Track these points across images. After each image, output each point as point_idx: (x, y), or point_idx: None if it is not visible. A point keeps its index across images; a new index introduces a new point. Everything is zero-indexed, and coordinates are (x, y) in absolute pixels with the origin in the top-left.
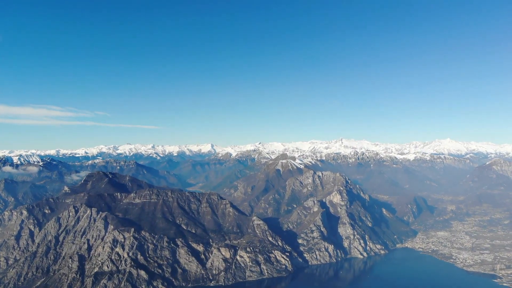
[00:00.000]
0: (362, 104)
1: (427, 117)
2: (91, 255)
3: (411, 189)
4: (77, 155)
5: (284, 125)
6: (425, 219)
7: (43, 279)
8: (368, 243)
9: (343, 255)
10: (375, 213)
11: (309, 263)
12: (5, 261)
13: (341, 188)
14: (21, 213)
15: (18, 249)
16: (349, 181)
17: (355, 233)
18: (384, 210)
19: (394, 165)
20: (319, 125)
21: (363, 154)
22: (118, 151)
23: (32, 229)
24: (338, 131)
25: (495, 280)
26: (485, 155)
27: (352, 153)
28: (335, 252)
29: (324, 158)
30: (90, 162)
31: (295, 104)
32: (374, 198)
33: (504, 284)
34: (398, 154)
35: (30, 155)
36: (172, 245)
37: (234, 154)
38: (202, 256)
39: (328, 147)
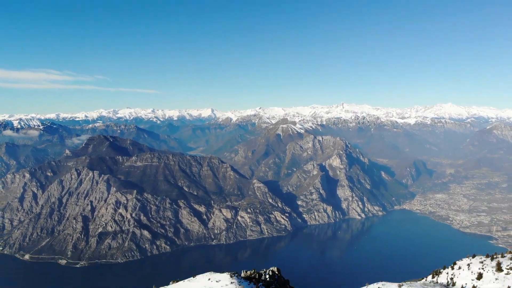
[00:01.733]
0: (364, 68)
1: (429, 81)
2: (94, 216)
3: (411, 153)
4: (77, 119)
5: (284, 89)
6: (423, 182)
7: (48, 239)
8: (366, 204)
9: (341, 216)
10: (374, 176)
11: (308, 223)
12: (9, 222)
13: (341, 152)
14: (24, 176)
15: (22, 211)
16: (349, 145)
17: (354, 195)
18: (383, 173)
19: (395, 129)
20: (320, 89)
21: (363, 119)
22: (118, 115)
23: (35, 192)
24: (340, 96)
25: (491, 241)
26: (486, 119)
27: (352, 118)
28: (333, 213)
29: (324, 123)
30: (90, 126)
31: (296, 68)
32: (374, 162)
33: (500, 245)
34: (399, 118)
35: (30, 119)
36: (175, 206)
37: (234, 119)
38: (204, 217)
39: (329, 112)
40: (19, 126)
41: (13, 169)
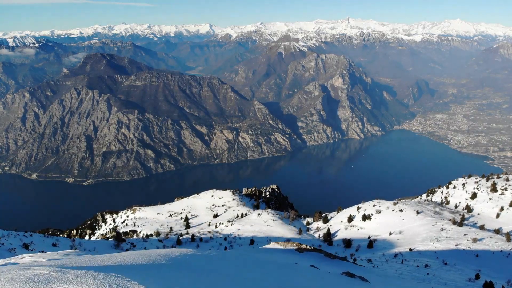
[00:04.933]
0: None
1: None
2: (97, 136)
3: (414, 71)
4: (72, 36)
5: (287, 2)
6: (424, 102)
7: (53, 159)
8: (366, 125)
9: (340, 136)
10: (375, 96)
11: (307, 144)
12: (14, 142)
13: (344, 72)
14: (24, 96)
15: (25, 131)
16: (352, 64)
17: (354, 115)
18: (385, 93)
19: (400, 47)
20: (325, 2)
21: (369, 35)
22: (114, 31)
23: (37, 111)
24: (345, 10)
25: (487, 161)
26: (494, 37)
27: (358, 34)
28: (333, 133)
29: (328, 40)
30: (86, 43)
31: None
32: (376, 81)
33: (495, 166)
34: (405, 35)
35: (25, 37)
36: (177, 126)
37: (234, 36)
38: (206, 138)
39: (334, 28)
40: (14, 44)
41: (12, 89)
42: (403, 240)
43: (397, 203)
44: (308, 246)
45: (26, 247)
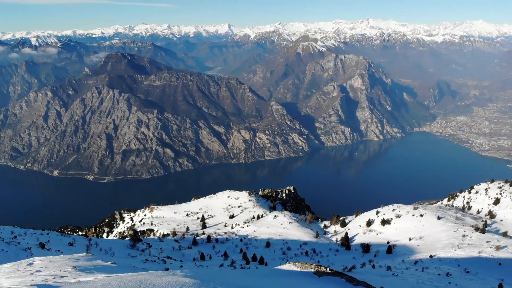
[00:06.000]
0: None
1: None
2: (117, 134)
3: (435, 73)
4: (93, 36)
5: (306, 3)
6: (446, 103)
7: (74, 156)
8: (385, 126)
9: (359, 138)
10: (395, 97)
11: (325, 145)
12: (36, 140)
13: (363, 72)
14: (46, 94)
15: (47, 128)
16: (372, 65)
17: (373, 116)
18: (405, 94)
19: (421, 48)
20: (344, 2)
21: (389, 36)
22: (134, 31)
23: (59, 110)
24: (365, 10)
25: (509, 165)
26: None
27: (378, 35)
28: (351, 135)
29: (348, 40)
30: (107, 43)
31: None
32: (396, 82)
33: None
34: (426, 35)
35: (47, 36)
36: (195, 126)
37: (252, 36)
38: (224, 137)
39: (353, 28)
40: (37, 44)
41: (35, 88)
42: (423, 246)
43: (418, 207)
44: (327, 269)
45: (42, 247)
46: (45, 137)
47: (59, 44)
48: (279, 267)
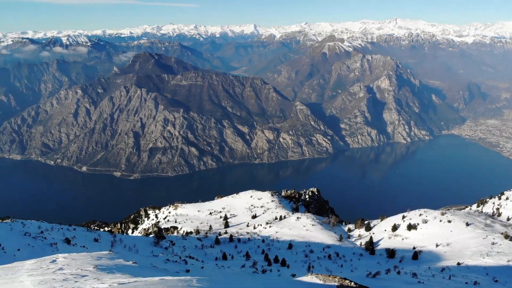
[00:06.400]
0: None
1: None
2: (144, 133)
3: (465, 74)
4: (122, 35)
5: (333, 3)
6: (476, 106)
7: (102, 153)
8: (413, 128)
9: (385, 140)
10: (423, 99)
11: (350, 146)
12: (66, 136)
13: (391, 73)
14: (76, 92)
15: (77, 125)
16: (399, 66)
17: (401, 118)
18: (433, 96)
19: (450, 49)
20: (372, 2)
21: (417, 36)
22: (162, 31)
23: (88, 107)
24: (393, 10)
25: None
26: None
27: (406, 35)
28: (377, 136)
29: (375, 40)
30: (135, 42)
31: None
32: (425, 84)
33: None
34: (455, 36)
35: (78, 35)
36: (219, 126)
37: (278, 36)
38: (247, 137)
39: (381, 28)
40: (67, 43)
41: (65, 86)
42: (450, 253)
43: (445, 213)
44: (352, 283)
45: (68, 242)
46: (75, 133)
47: (89, 44)
48: (300, 278)
